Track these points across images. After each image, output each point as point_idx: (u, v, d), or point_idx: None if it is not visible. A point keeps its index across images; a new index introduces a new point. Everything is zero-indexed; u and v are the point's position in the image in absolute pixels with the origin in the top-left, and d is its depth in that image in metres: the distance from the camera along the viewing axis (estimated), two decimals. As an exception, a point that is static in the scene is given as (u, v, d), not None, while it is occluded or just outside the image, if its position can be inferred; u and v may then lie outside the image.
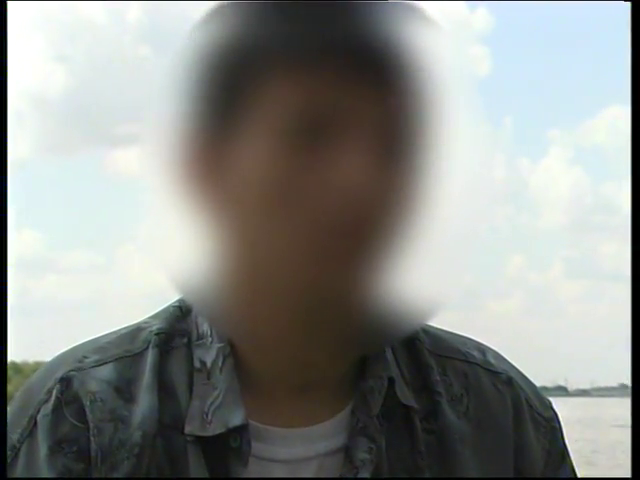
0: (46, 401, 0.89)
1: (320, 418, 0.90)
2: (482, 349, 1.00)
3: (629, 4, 1.10)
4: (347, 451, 0.89)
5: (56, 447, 0.87)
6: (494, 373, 0.98)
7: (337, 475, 0.89)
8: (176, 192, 0.85)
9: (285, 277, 0.83)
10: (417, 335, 0.97)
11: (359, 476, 0.88)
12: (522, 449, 0.95)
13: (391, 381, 0.91)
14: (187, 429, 0.88)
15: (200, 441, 0.87)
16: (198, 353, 0.91)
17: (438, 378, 0.95)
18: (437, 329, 1.00)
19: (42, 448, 0.87)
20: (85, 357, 0.91)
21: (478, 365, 0.98)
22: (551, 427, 0.98)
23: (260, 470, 0.88)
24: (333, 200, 0.81)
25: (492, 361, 0.99)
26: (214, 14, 0.85)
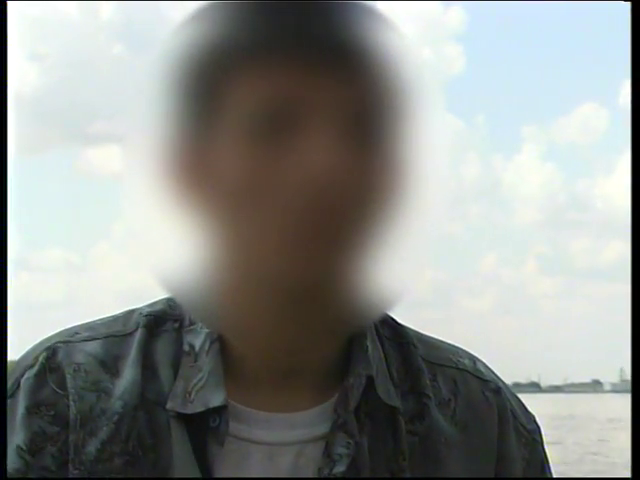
0: (31, 366, 0.93)
1: (302, 406, 0.93)
2: (473, 358, 1.03)
3: (628, 4, 1.11)
4: (326, 446, 0.91)
5: (34, 409, 0.91)
6: (483, 381, 1.01)
7: (314, 464, 0.91)
8: (159, 191, 0.87)
9: (259, 267, 0.84)
10: (412, 341, 1.00)
11: (335, 470, 0.90)
12: (503, 455, 0.98)
13: (370, 379, 0.93)
14: (169, 405, 0.91)
15: (182, 417, 0.90)
16: (188, 338, 0.94)
17: (428, 382, 0.98)
18: (431, 338, 1.03)
19: (20, 408, 0.91)
20: (77, 333, 0.96)
21: (468, 372, 1.01)
22: (532, 439, 1.01)
23: (239, 450, 0.91)
24: (300, 186, 0.82)
25: (482, 370, 1.02)
26: (192, 16, 0.88)
